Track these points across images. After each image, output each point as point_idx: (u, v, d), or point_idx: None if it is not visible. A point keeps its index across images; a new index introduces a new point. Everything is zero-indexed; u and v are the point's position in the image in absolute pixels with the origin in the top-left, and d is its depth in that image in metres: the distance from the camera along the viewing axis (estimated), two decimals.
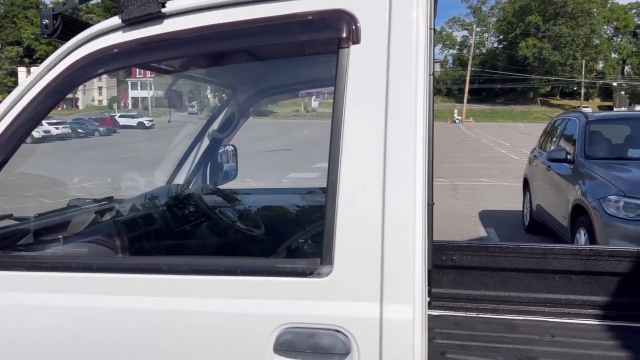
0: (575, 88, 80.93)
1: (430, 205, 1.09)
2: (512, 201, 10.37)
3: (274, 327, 1.13)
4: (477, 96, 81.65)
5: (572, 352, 2.07)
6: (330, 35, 1.18)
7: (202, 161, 3.03)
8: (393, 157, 1.06)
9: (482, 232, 8.31)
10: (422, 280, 1.07)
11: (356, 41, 1.13)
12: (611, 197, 4.89)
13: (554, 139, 7.49)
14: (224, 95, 3.11)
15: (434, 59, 1.49)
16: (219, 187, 3.12)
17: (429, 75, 1.14)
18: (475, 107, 76.00)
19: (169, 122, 3.15)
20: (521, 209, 8.67)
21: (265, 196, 3.52)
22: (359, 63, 1.12)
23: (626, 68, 79.35)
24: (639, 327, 2.33)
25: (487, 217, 9.45)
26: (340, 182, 1.09)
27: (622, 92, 71.15)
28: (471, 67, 71.48)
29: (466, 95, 68.72)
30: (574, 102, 74.39)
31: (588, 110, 30.53)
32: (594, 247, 2.47)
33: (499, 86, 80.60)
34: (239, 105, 3.01)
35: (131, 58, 1.38)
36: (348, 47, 1.14)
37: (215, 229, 2.79)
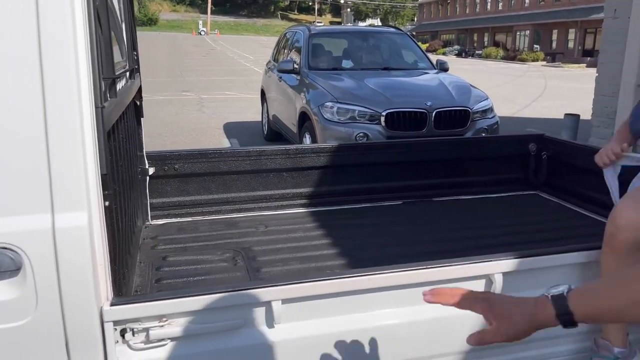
0: (310, 4, 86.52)
1: (99, 108, 1.05)
2: (254, 112, 10.89)
3: None
4: (222, 7, 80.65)
5: (280, 237, 2.37)
6: None
7: None
8: (48, 58, 0.97)
9: (226, 143, 8.58)
10: (96, 185, 1.05)
11: None
12: (327, 103, 5.52)
13: (285, 51, 7.96)
14: None
15: None
16: None
17: None
18: (220, 19, 75.22)
19: None
20: (260, 119, 9.18)
21: None
22: None
23: None
24: (338, 209, 2.77)
25: (231, 129, 9.76)
26: None
27: (349, 10, 79.00)
28: None
29: (209, 5, 67.12)
30: (309, 17, 79.76)
31: (321, 24, 33.15)
32: (300, 146, 2.78)
33: None
34: None
35: None
36: None
37: None
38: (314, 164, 2.76)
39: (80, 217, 1.03)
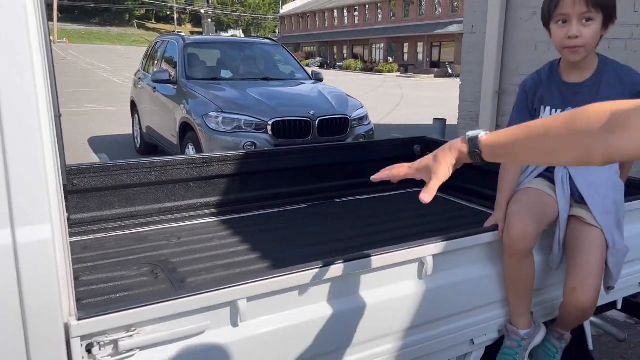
0: (169, 13, 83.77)
1: (58, 117, 1.00)
2: (122, 125, 10.32)
3: None
4: (69, 14, 74.68)
5: (196, 247, 2.35)
6: None
7: None
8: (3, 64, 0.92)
9: (94, 159, 8.04)
10: (57, 197, 1.01)
11: None
12: (212, 113, 5.49)
13: (156, 61, 7.70)
14: None
15: None
16: None
17: None
18: (69, 27, 69.59)
19: None
20: (132, 132, 8.75)
21: None
22: None
23: None
24: (248, 216, 2.80)
25: (98, 143, 9.17)
26: None
27: (210, 20, 78.02)
28: None
29: (56, 12, 61.78)
30: (168, 27, 77.17)
31: (182, 34, 32.19)
32: (206, 155, 2.77)
33: (92, 5, 75.61)
34: None
35: None
36: None
37: None
38: (221, 173, 2.77)
39: (44, 230, 0.98)
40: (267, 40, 8.04)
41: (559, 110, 1.74)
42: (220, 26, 75.73)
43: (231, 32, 73.56)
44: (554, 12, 1.62)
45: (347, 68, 42.01)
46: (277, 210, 2.89)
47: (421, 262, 1.50)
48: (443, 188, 2.20)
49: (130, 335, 1.10)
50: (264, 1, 75.82)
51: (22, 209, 0.96)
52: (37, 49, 0.96)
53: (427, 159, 1.15)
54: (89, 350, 1.07)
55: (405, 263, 1.48)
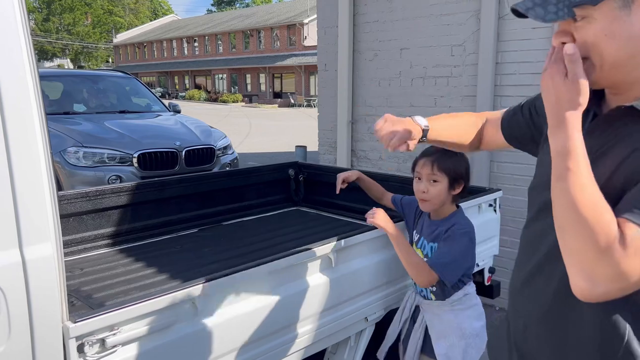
0: None
1: (51, 153, 1.19)
2: None
3: None
4: None
5: (103, 275, 2.44)
6: None
7: None
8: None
9: None
10: (54, 218, 1.19)
11: None
12: (70, 148, 5.32)
13: None
14: None
15: None
16: None
17: None
18: None
19: None
20: None
21: None
22: None
23: (31, 23, 79.21)
24: (144, 244, 2.92)
25: None
26: None
27: None
28: None
29: None
30: None
31: None
32: (98, 188, 2.85)
33: None
34: None
35: None
36: None
37: None
38: (114, 204, 2.88)
39: (46, 248, 1.16)
40: (119, 73, 7.92)
41: (422, 238, 2.09)
42: (44, 55, 69.59)
43: (57, 61, 68.09)
44: (414, 170, 2.04)
45: (190, 98, 41.64)
46: (170, 236, 3.07)
47: (327, 257, 1.89)
48: (319, 204, 2.54)
49: (114, 334, 1.30)
50: (94, 29, 71.59)
51: (28, 231, 1.14)
52: (29, 78, 1.17)
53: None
54: (80, 350, 1.25)
55: (315, 259, 1.86)
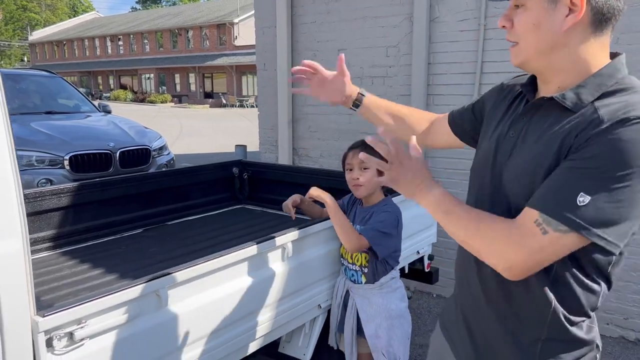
0: None
1: (16, 152, 1.18)
2: None
3: None
4: None
5: (47, 278, 2.38)
6: None
7: None
8: None
9: None
10: (19, 212, 1.18)
11: None
12: None
13: None
14: None
15: None
16: None
17: None
18: None
19: None
20: None
21: None
22: None
23: None
24: (88, 245, 2.85)
25: None
26: None
27: None
28: None
29: None
30: None
31: None
32: (37, 189, 2.75)
33: None
34: None
35: None
36: None
37: None
38: (54, 206, 2.80)
39: (15, 243, 1.16)
40: (43, 72, 7.54)
41: (355, 224, 2.20)
42: None
43: None
44: (345, 163, 2.23)
45: (116, 99, 39.97)
46: (114, 237, 3.02)
47: (283, 247, 1.97)
48: (264, 202, 2.55)
49: (82, 327, 1.31)
50: (6, 26, 67.00)
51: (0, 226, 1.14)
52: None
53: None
54: (49, 344, 1.25)
55: (272, 250, 1.93)
